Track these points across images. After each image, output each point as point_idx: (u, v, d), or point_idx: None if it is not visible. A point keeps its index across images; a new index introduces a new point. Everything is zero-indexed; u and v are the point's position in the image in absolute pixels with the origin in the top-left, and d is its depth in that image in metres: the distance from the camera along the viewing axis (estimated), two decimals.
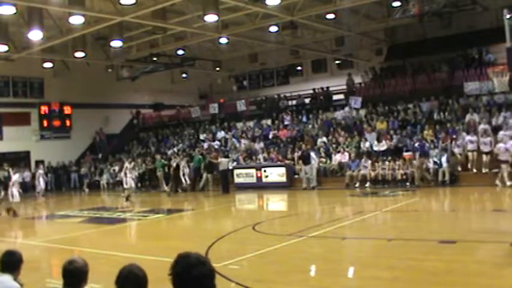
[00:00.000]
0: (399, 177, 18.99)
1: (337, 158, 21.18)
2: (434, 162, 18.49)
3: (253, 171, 22.47)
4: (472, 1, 20.71)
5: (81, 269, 3.51)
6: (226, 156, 22.91)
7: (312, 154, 20.82)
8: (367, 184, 19.35)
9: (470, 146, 18.23)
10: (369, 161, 19.73)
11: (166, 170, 23.86)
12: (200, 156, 23.83)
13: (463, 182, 18.01)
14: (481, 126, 18.56)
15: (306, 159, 20.44)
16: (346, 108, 24.91)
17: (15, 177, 18.93)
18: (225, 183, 21.37)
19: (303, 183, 20.37)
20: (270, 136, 25.84)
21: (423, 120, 21.94)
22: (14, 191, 18.09)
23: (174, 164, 23.01)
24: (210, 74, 34.55)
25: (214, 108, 30.14)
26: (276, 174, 21.73)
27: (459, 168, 18.46)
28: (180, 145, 28.29)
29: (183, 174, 22.46)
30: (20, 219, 17.24)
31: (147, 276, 3.03)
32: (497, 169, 17.07)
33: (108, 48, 25.36)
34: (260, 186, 21.60)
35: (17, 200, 18.07)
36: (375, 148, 20.59)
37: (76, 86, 29.40)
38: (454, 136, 19.28)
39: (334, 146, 22.33)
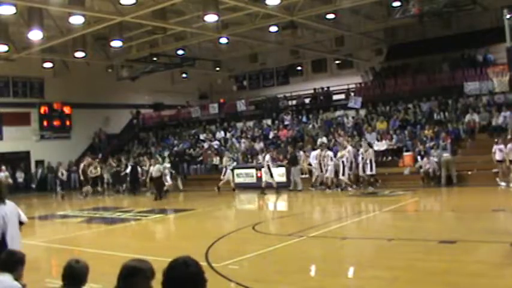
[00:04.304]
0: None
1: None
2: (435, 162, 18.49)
3: (253, 171, 22.47)
4: (472, 1, 20.70)
5: (85, 269, 3.51)
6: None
7: (331, 154, 19.85)
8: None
9: None
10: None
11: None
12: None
13: (463, 182, 18.03)
14: None
15: (293, 161, 20.52)
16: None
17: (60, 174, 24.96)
18: (159, 189, 20.65)
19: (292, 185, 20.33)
20: (270, 136, 25.83)
21: (423, 120, 21.95)
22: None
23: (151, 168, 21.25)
24: (210, 74, 34.55)
25: (214, 108, 30.15)
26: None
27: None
28: (180, 145, 28.28)
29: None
30: None
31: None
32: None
33: (108, 48, 25.33)
34: (260, 186, 21.54)
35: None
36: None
37: (76, 86, 29.38)
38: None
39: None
